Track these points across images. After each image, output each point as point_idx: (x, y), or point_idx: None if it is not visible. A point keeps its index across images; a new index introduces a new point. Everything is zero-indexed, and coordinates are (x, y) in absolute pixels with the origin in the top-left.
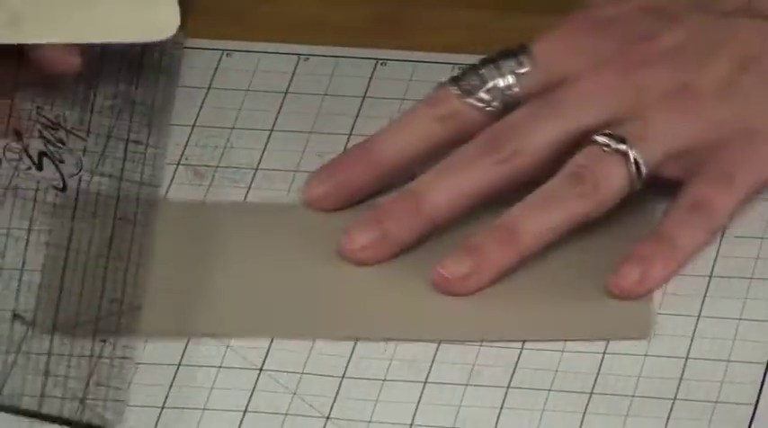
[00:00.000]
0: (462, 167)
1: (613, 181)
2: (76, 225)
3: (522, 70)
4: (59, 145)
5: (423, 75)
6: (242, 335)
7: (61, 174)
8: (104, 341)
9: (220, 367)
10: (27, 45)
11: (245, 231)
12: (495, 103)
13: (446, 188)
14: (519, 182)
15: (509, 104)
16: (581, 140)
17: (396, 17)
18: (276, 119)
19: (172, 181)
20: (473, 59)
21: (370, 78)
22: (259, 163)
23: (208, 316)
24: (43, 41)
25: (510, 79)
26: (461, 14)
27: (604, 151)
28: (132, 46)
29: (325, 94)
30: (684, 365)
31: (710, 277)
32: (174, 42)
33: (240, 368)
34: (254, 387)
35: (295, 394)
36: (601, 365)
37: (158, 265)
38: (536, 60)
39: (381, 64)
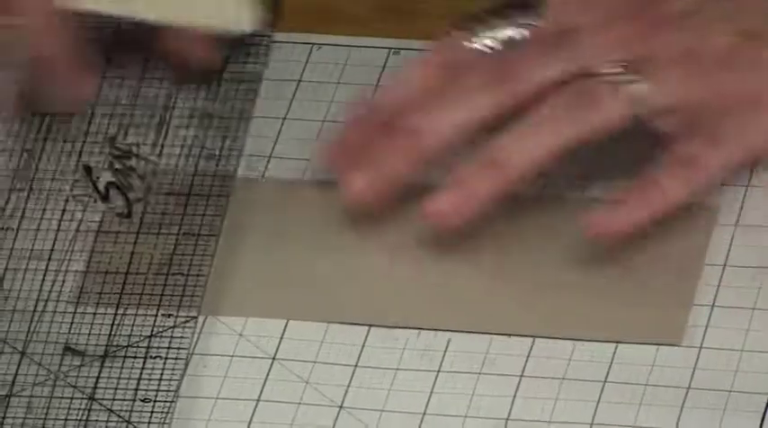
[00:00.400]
0: (464, 95)
1: (611, 108)
2: (137, 249)
3: (535, 22)
4: (130, 172)
5: None
6: (257, 316)
7: (127, 201)
8: (155, 357)
9: (233, 356)
10: (170, 36)
11: (265, 211)
12: (498, 47)
13: (448, 116)
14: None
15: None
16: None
17: (407, 6)
18: (289, 107)
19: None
20: None
21: (383, 67)
22: (272, 151)
23: (225, 298)
24: (141, 17)
25: (524, 32)
26: (472, 3)
27: (606, 79)
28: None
29: (338, 83)
30: (698, 354)
31: (724, 266)
32: (257, 52)
33: (253, 357)
34: (267, 377)
35: (308, 383)
36: (614, 354)
37: None
38: (550, 12)
39: (394, 53)
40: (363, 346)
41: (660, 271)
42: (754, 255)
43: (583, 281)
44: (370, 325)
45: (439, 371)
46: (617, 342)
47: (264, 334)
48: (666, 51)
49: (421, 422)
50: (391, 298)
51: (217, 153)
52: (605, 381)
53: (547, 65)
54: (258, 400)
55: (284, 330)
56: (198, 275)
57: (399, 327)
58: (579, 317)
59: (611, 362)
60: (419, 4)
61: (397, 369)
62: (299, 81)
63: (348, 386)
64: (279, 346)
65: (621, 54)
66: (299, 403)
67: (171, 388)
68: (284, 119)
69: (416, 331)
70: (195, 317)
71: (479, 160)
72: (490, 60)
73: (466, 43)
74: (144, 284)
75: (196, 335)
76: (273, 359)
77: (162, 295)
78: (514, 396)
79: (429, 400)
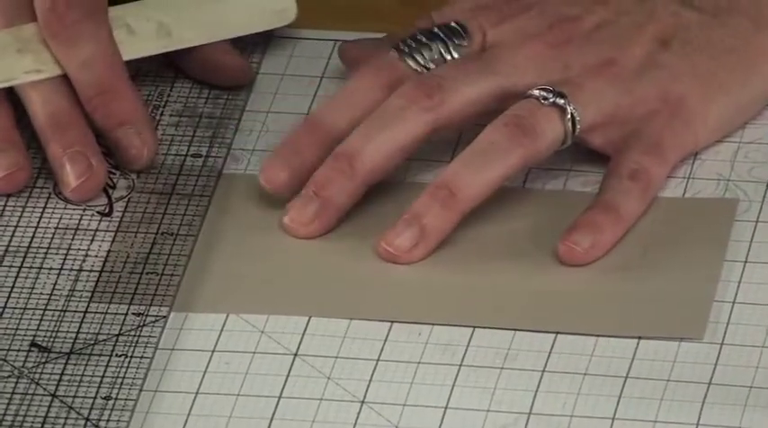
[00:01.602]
0: (392, 119)
1: (549, 132)
2: (114, 247)
3: (465, 42)
4: (113, 171)
5: None
6: (279, 314)
7: (109, 199)
8: (120, 355)
9: (255, 352)
10: (209, 54)
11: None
12: (430, 66)
13: (378, 143)
14: (446, 130)
15: None
16: (510, 99)
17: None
18: (312, 103)
19: None
20: None
21: None
22: None
23: (246, 295)
24: (190, 44)
25: (450, 45)
26: None
27: (542, 103)
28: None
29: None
30: (719, 351)
31: (745, 262)
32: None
33: (274, 353)
34: (289, 373)
35: (329, 378)
36: (636, 350)
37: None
38: (474, 32)
39: None
40: (385, 341)
41: (682, 267)
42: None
43: (605, 278)
44: (393, 321)
45: (461, 365)
46: (639, 337)
47: (286, 331)
48: (584, 63)
49: (443, 416)
50: (413, 294)
51: (204, 153)
52: (627, 377)
53: (471, 82)
54: (280, 397)
55: (306, 326)
56: (172, 274)
57: (421, 322)
58: (601, 313)
59: (633, 358)
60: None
61: (419, 362)
62: (322, 77)
63: (370, 380)
64: (301, 342)
65: (541, 69)
66: (321, 399)
67: (134, 386)
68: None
69: (438, 326)
70: (165, 317)
71: (433, 194)
72: (417, 78)
73: (403, 63)
74: (117, 282)
75: (217, 333)
76: (295, 355)
77: (134, 294)
78: (536, 391)
79: (451, 394)
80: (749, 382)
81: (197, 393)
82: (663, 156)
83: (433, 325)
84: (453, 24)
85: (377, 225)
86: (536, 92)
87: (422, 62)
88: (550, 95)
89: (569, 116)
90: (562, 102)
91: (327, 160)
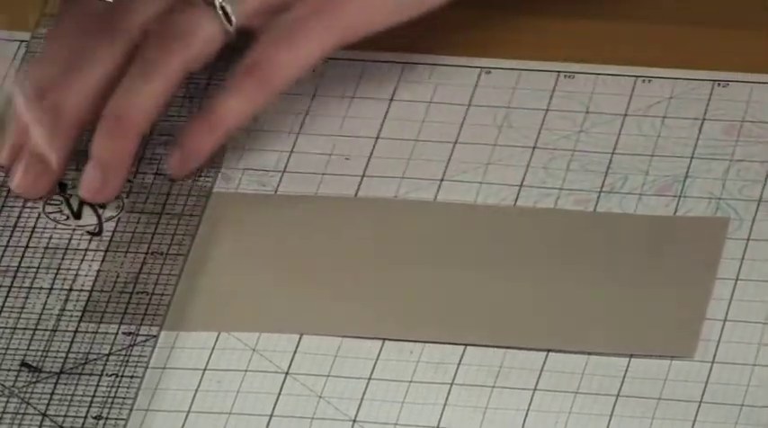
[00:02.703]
0: (92, 62)
1: (200, 31)
2: (104, 267)
3: None
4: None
5: (445, 78)
6: (270, 332)
7: (99, 219)
8: (111, 374)
9: (246, 371)
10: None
11: (272, 225)
12: None
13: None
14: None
15: None
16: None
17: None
18: (303, 122)
19: None
20: (500, 63)
21: (398, 81)
22: (286, 166)
23: (236, 314)
24: None
25: None
26: (481, 14)
27: (191, 3)
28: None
29: (353, 97)
30: (710, 369)
31: (736, 280)
32: None
33: (266, 371)
34: (281, 391)
35: (321, 397)
36: (627, 368)
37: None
38: None
39: (408, 68)
40: (377, 360)
41: (673, 285)
42: (766, 269)
43: (595, 295)
44: (384, 339)
45: (452, 384)
46: (630, 355)
47: (277, 349)
48: None
49: None
50: (405, 312)
51: (194, 172)
52: (618, 395)
53: (146, 4)
54: (271, 415)
55: (297, 345)
56: (162, 294)
57: (413, 341)
58: (592, 331)
59: (624, 376)
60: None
61: (411, 381)
62: (314, 96)
63: (361, 399)
64: (292, 361)
65: None
66: (313, 417)
67: (125, 406)
68: (298, 134)
69: (430, 344)
70: (156, 336)
71: (103, 124)
72: (99, 15)
73: None
74: (107, 302)
75: (208, 351)
76: (287, 373)
77: (124, 313)
78: (528, 410)
79: (443, 413)
80: (740, 401)
81: (188, 412)
82: (293, 44)
83: (425, 343)
84: None
85: (367, 242)
86: None
87: None
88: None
89: (220, 9)
90: None
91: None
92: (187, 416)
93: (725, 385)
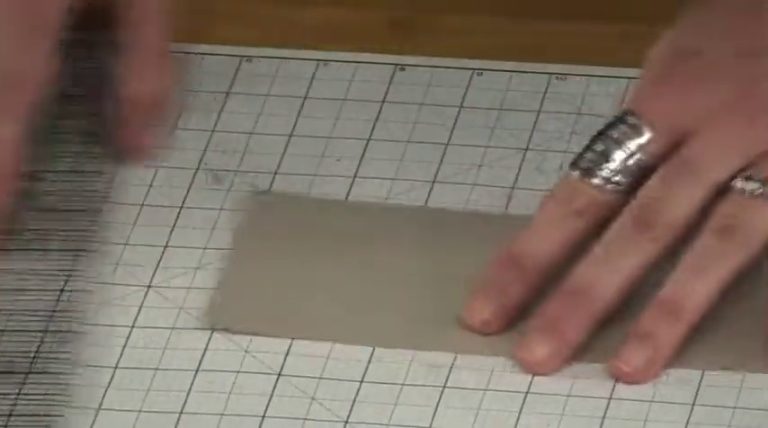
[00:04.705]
0: (620, 252)
1: (762, 226)
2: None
3: (643, 139)
4: None
5: (441, 80)
6: (263, 335)
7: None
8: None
9: (239, 372)
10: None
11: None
12: (617, 178)
13: (611, 277)
14: (670, 253)
15: (635, 174)
16: (718, 193)
17: (412, 22)
18: (295, 124)
19: (191, 186)
20: (492, 65)
21: (389, 83)
22: (278, 167)
23: (233, 314)
24: None
25: (631, 147)
26: (478, 19)
27: (747, 198)
28: None
29: (345, 100)
30: (697, 392)
31: None
32: None
33: (258, 373)
34: (273, 392)
35: (313, 398)
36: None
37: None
38: (654, 124)
39: (400, 69)
40: (369, 362)
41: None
42: None
43: None
44: (375, 347)
45: (445, 387)
46: None
47: (270, 351)
48: None
49: None
50: (397, 320)
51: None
52: (610, 398)
53: (683, 200)
54: (264, 416)
55: (290, 346)
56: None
57: (405, 348)
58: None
59: (616, 380)
60: (422, 20)
61: (403, 384)
62: (305, 98)
63: (354, 401)
64: (284, 362)
65: (743, 149)
66: (305, 418)
67: (54, 403)
68: (290, 136)
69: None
70: (78, 332)
71: (659, 309)
72: (628, 211)
73: (584, 183)
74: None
75: (201, 352)
76: (279, 375)
77: (54, 311)
78: (520, 412)
79: (434, 416)
80: (726, 425)
81: (181, 413)
82: None
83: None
84: (629, 120)
85: (361, 245)
86: (739, 184)
87: (606, 176)
88: (754, 186)
89: None
90: (761, 188)
91: (559, 296)
92: (180, 417)
93: (712, 407)
